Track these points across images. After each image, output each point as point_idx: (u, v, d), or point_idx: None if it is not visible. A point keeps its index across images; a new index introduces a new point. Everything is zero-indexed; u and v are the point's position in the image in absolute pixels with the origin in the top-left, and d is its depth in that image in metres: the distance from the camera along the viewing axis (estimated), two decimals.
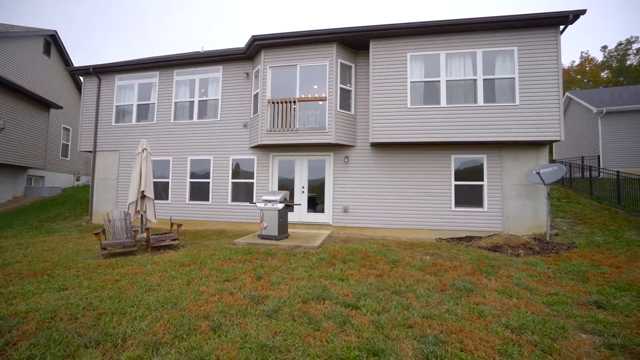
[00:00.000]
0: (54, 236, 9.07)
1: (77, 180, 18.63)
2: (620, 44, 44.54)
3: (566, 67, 48.88)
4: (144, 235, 7.07)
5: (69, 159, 17.93)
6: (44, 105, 14.83)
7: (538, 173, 7.54)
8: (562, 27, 7.70)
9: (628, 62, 43.71)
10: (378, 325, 3.32)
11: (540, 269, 5.43)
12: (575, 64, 48.02)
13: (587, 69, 45.86)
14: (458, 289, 4.39)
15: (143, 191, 7.37)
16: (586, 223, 8.44)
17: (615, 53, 44.66)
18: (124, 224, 6.92)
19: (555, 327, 3.31)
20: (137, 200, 7.36)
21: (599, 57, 45.86)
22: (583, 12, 7.25)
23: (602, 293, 4.31)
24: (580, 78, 45.72)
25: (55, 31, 15.93)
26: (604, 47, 48.12)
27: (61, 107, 15.74)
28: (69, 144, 17.92)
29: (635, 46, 43.32)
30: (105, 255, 6.17)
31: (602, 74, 44.37)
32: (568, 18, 7.43)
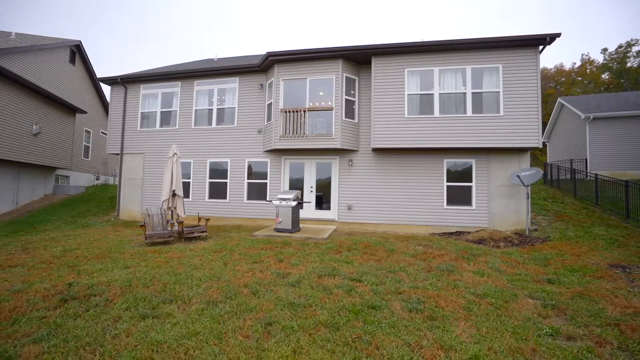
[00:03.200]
0: (91, 229, 10.25)
1: (96, 179, 19.87)
2: (620, 46, 45.18)
3: (567, 69, 49.64)
4: (176, 227, 8.22)
5: (89, 159, 19.17)
6: (71, 110, 16.05)
7: (518, 176, 8.60)
8: (540, 47, 8.74)
9: (628, 65, 44.37)
10: (376, 292, 4.43)
11: (514, 257, 6.49)
12: (576, 65, 48.81)
13: (588, 71, 46.53)
14: (441, 270, 5.48)
15: (174, 190, 8.52)
16: (564, 220, 9.48)
17: (615, 55, 45.28)
18: (160, 218, 8.07)
19: (510, 294, 4.39)
20: (169, 198, 8.51)
21: (600, 59, 46.51)
22: (558, 35, 8.28)
23: (556, 274, 5.39)
24: (581, 80, 46.46)
25: (80, 41, 17.15)
26: (604, 50, 48.80)
27: (85, 112, 16.97)
28: (90, 145, 19.16)
29: (635, 49, 43.93)
30: (148, 243, 7.32)
31: (603, 75, 44.98)
32: (545, 40, 8.47)
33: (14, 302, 4.07)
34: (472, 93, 9.11)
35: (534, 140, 8.70)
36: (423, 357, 2.89)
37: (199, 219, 8.64)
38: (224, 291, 4.39)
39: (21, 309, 3.88)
